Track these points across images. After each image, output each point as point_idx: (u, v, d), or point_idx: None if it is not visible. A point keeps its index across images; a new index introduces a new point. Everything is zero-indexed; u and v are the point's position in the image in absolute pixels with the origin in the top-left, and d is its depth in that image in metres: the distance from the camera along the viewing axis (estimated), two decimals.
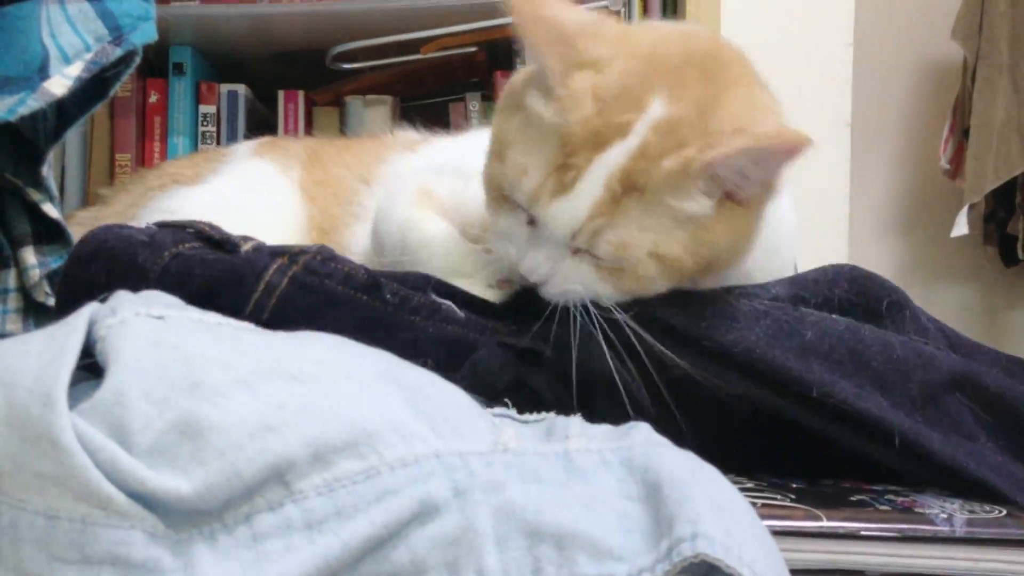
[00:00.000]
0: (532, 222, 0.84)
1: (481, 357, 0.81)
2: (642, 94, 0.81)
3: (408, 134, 1.27)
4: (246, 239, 0.82)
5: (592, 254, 0.82)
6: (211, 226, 0.84)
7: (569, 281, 0.84)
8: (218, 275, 0.78)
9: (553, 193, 0.81)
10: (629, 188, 0.80)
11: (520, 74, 0.88)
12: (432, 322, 0.82)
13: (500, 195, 0.86)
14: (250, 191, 1.20)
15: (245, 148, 1.31)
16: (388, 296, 0.81)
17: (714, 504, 0.59)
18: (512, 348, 0.82)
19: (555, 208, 0.81)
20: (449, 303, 0.84)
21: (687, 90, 0.82)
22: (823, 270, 0.91)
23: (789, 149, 0.79)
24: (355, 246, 1.10)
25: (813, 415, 0.82)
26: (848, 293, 0.89)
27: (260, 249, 0.81)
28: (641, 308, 0.82)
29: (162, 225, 0.84)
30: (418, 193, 0.99)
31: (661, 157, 0.80)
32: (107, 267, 0.78)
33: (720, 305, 0.84)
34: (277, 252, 0.80)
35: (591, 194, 0.80)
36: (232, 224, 0.96)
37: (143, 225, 0.85)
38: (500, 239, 0.88)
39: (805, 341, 0.83)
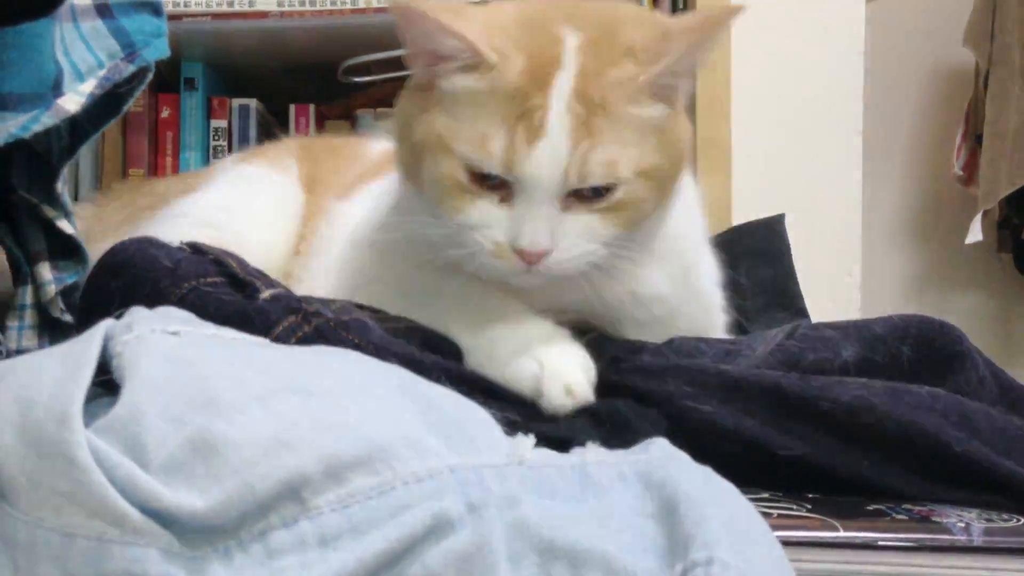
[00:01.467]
0: (506, 196, 0.84)
1: None
2: (551, 31, 0.85)
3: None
4: (269, 285, 0.82)
5: (586, 193, 0.83)
6: (241, 263, 0.84)
7: (575, 239, 0.84)
8: (229, 319, 0.78)
9: (529, 140, 0.81)
10: (591, 107, 0.82)
11: (405, 92, 0.93)
12: None
13: (459, 185, 0.84)
14: (246, 191, 1.22)
15: (232, 158, 1.33)
16: None
17: (731, 527, 0.58)
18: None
19: (539, 152, 0.81)
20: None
21: (582, 20, 0.86)
22: (890, 323, 0.89)
23: (726, 21, 0.84)
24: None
25: (936, 478, 0.81)
26: (915, 351, 0.88)
27: (278, 299, 0.80)
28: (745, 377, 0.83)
29: (195, 250, 0.85)
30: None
31: (602, 73, 0.82)
32: (127, 285, 0.78)
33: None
34: (293, 308, 0.80)
35: (564, 124, 0.81)
36: (228, 222, 0.96)
37: (177, 244, 0.85)
38: (477, 231, 0.85)
39: (923, 399, 0.82)
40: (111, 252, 0.83)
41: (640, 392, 0.83)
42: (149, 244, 0.83)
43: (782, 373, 0.83)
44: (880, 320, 0.91)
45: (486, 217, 0.84)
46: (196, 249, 0.85)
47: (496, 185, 0.84)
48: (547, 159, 0.81)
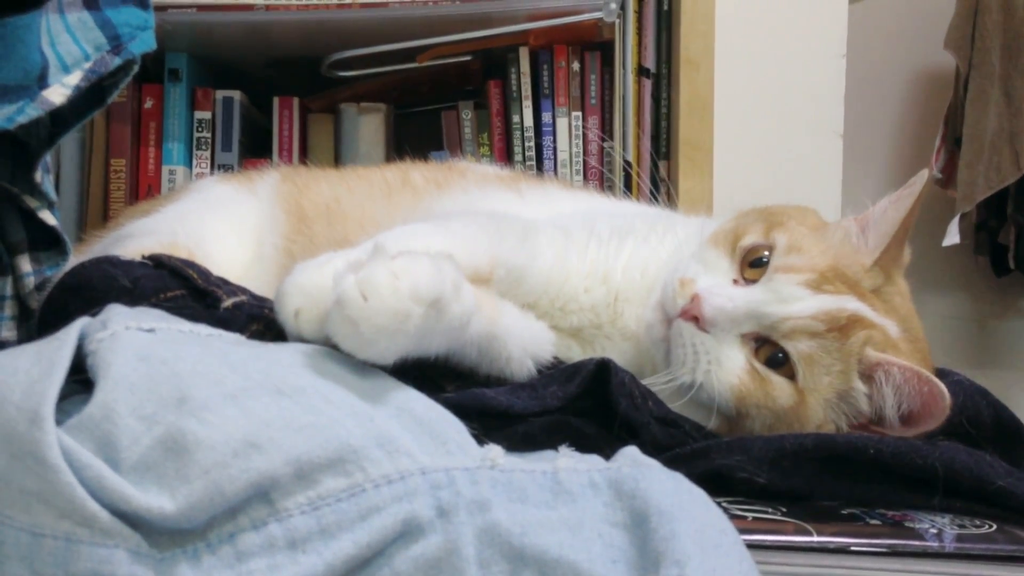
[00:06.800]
0: (736, 281, 0.94)
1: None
2: None
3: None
4: (232, 292, 0.82)
5: (769, 342, 0.90)
6: (200, 272, 0.84)
7: (717, 349, 0.90)
8: None
9: (808, 286, 0.90)
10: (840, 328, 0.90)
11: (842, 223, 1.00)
12: None
13: (733, 242, 0.95)
14: (214, 203, 1.24)
15: (208, 179, 1.35)
16: None
17: (701, 541, 0.58)
18: None
19: (800, 291, 0.90)
20: None
21: None
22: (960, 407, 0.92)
23: None
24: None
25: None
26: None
27: (240, 308, 0.80)
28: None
29: (157, 263, 0.84)
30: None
31: None
32: (85, 307, 0.76)
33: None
34: (255, 315, 0.80)
35: (819, 308, 0.89)
36: (196, 226, 1.03)
37: (137, 258, 0.85)
38: (693, 262, 0.95)
39: (988, 458, 0.84)
40: (70, 273, 0.83)
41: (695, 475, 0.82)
42: (108, 263, 0.83)
43: (816, 433, 0.86)
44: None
45: (713, 264, 0.97)
46: (158, 263, 0.85)
47: None
48: (796, 302, 0.92)
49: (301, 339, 0.73)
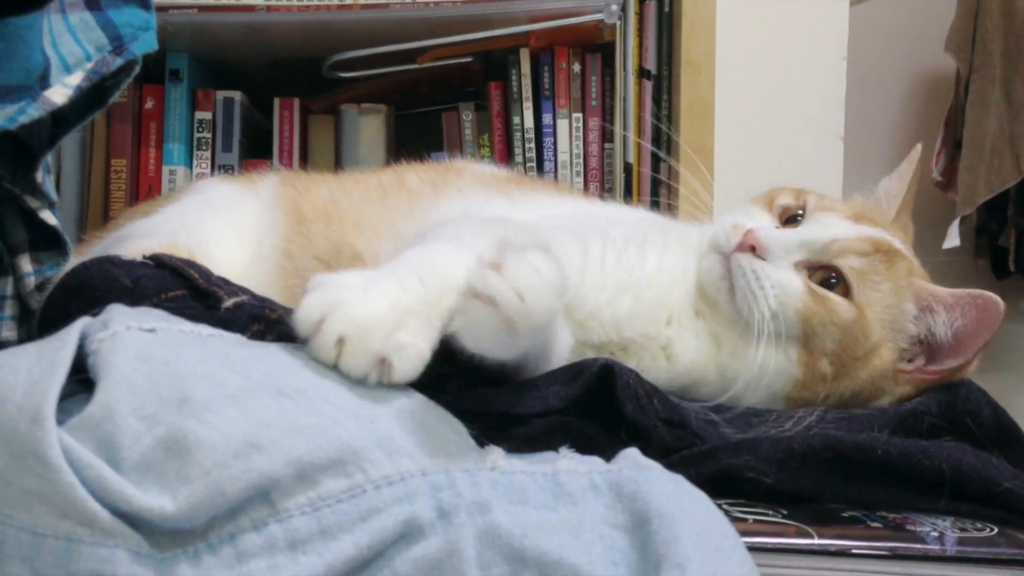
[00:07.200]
0: (779, 228, 1.01)
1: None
2: None
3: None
4: (233, 293, 0.81)
5: (820, 267, 0.96)
6: (201, 273, 0.83)
7: (776, 274, 0.95)
8: None
9: (848, 219, 1.00)
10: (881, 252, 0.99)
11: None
12: None
13: (769, 203, 1.05)
14: (215, 203, 1.24)
15: (210, 179, 1.35)
16: None
17: (702, 544, 0.58)
18: None
19: (842, 222, 0.99)
20: None
21: None
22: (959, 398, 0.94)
23: None
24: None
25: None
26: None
27: (240, 308, 0.80)
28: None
29: (158, 263, 0.84)
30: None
31: None
32: (86, 307, 0.76)
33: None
34: (256, 316, 0.79)
35: (862, 233, 0.98)
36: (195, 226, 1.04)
37: (138, 258, 0.85)
38: (738, 215, 1.02)
39: (994, 460, 0.84)
40: (71, 273, 0.82)
41: (702, 477, 0.80)
42: (109, 263, 0.82)
43: (824, 433, 0.86)
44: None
45: (754, 216, 1.05)
46: (159, 263, 0.85)
47: None
48: (834, 228, 1.01)
49: (332, 365, 0.68)
